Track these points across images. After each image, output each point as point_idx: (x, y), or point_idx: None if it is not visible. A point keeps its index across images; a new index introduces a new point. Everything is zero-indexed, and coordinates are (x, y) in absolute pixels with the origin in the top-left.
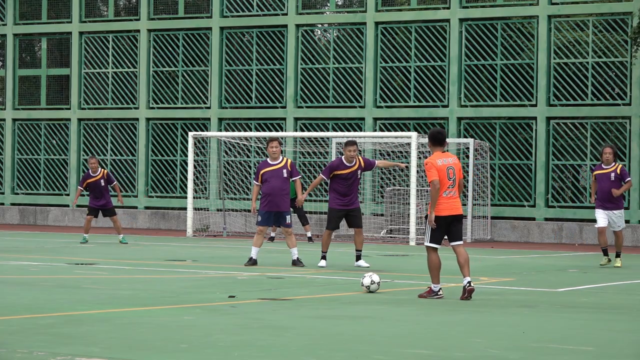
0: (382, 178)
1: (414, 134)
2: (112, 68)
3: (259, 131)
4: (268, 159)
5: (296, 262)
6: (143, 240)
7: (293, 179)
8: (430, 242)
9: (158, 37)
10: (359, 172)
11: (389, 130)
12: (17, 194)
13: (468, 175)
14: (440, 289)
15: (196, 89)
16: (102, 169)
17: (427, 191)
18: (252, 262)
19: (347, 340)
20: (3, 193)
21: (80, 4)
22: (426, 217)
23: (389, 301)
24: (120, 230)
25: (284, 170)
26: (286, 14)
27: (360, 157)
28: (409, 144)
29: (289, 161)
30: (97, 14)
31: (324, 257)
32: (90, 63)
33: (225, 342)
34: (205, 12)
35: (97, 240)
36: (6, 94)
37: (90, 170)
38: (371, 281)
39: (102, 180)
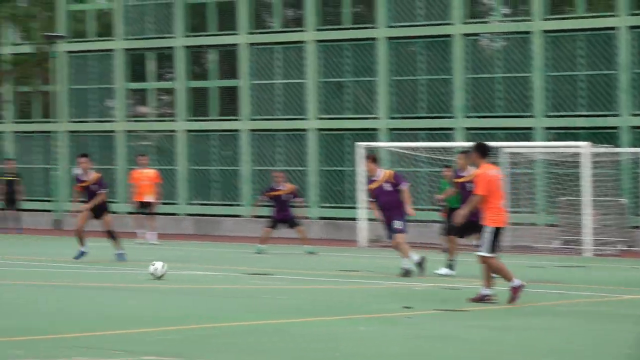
0: (554, 188)
1: (585, 144)
2: (280, 79)
3: (428, 141)
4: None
5: (408, 271)
6: (317, 250)
7: (400, 188)
8: (490, 252)
9: (325, 47)
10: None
11: (560, 139)
12: (192, 204)
13: None
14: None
15: (364, 99)
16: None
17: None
18: (412, 270)
19: (523, 353)
20: (178, 204)
21: (248, 16)
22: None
23: (565, 313)
24: (306, 241)
25: (385, 184)
26: (452, 24)
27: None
28: (580, 154)
29: (389, 173)
30: (265, 25)
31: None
32: (259, 74)
33: (401, 352)
34: (371, 22)
35: (274, 250)
36: (178, 106)
37: (274, 183)
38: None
39: (288, 195)
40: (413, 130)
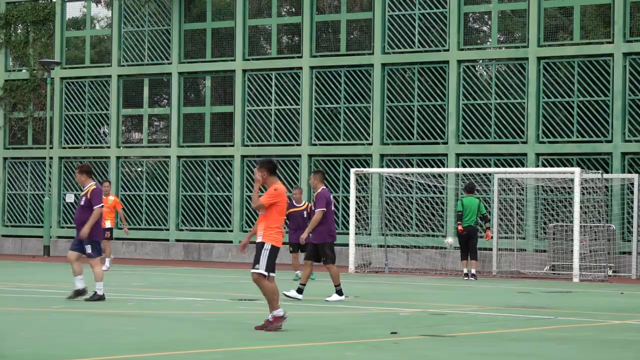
0: (544, 214)
1: (577, 170)
2: (275, 105)
3: (421, 167)
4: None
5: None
6: None
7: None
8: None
9: (320, 74)
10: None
11: (551, 165)
12: (182, 230)
13: (633, 211)
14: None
15: (358, 125)
16: (307, 202)
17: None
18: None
19: None
20: (168, 229)
21: (243, 43)
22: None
23: (553, 338)
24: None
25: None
26: (448, 50)
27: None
28: (572, 180)
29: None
30: (261, 52)
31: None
32: (253, 100)
33: None
34: (367, 49)
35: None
36: (171, 132)
37: (294, 200)
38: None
39: (304, 212)
40: (406, 156)
